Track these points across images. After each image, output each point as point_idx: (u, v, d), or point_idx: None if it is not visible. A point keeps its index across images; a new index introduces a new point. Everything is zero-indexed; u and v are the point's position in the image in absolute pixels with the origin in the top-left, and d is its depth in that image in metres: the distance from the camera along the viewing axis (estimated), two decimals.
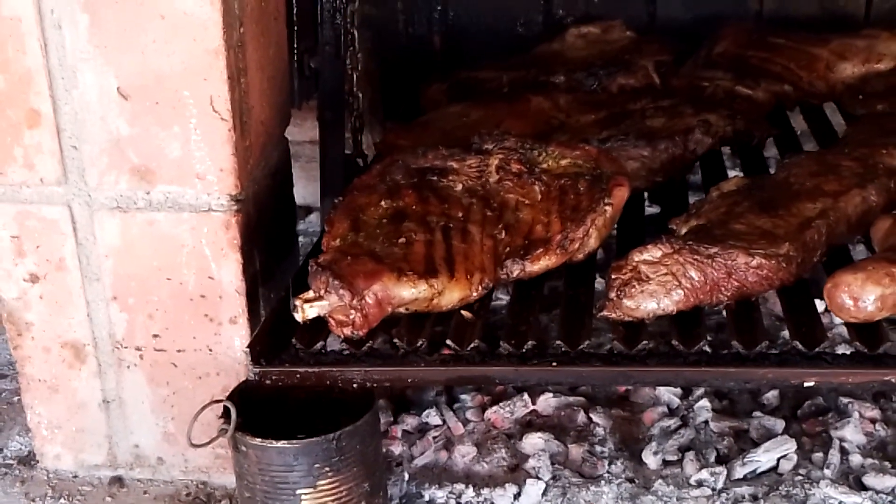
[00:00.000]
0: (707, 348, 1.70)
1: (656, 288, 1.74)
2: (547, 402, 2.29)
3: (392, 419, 2.27)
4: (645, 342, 1.71)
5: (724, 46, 2.88)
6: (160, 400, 2.08)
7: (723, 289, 1.76)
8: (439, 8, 3.19)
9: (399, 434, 2.23)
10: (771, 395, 2.27)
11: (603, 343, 1.82)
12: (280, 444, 1.77)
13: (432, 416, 2.26)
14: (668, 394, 2.28)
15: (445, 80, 2.88)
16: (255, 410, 1.85)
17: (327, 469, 1.79)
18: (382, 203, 1.97)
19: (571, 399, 2.30)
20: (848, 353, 1.67)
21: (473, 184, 2.03)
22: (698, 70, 2.79)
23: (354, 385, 1.77)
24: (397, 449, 2.19)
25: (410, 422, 2.26)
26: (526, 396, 2.29)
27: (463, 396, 2.33)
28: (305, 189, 2.81)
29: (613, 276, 1.77)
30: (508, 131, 2.17)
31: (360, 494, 1.84)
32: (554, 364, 1.73)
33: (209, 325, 2.00)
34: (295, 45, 2.28)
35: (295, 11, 2.25)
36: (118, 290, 1.99)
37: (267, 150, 2.07)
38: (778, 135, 2.55)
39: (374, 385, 1.77)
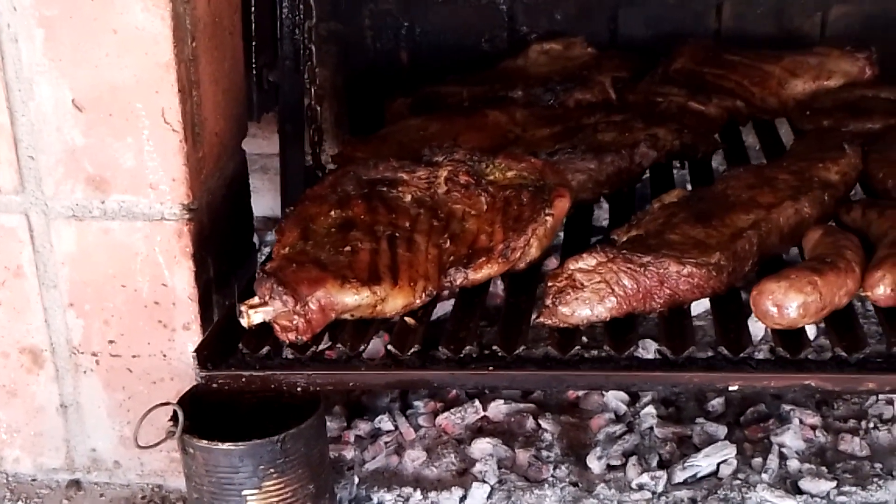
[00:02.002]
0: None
1: (590, 295, 1.80)
2: (498, 409, 2.35)
3: (346, 424, 2.32)
4: (578, 347, 1.76)
5: (680, 63, 2.95)
6: (116, 404, 2.13)
7: (655, 296, 1.82)
8: (406, 24, 3.25)
9: (352, 439, 2.28)
10: (716, 402, 2.33)
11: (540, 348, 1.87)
12: (225, 445, 1.83)
13: (385, 422, 2.32)
14: (616, 400, 2.34)
15: (409, 94, 2.94)
16: (208, 414, 1.90)
17: (272, 470, 1.84)
18: (332, 213, 2.03)
19: (522, 406, 2.35)
20: (771, 358, 1.72)
21: (422, 195, 2.09)
22: (654, 86, 2.85)
23: (299, 389, 1.82)
24: (349, 453, 2.24)
25: (363, 427, 2.31)
26: (477, 403, 2.34)
27: (416, 403, 2.38)
28: (274, 200, 2.88)
29: (549, 284, 1.83)
30: (458, 145, 2.23)
31: (305, 496, 1.90)
32: (490, 368, 1.78)
33: (163, 331, 2.05)
34: (254, 60, 2.34)
35: (254, 27, 2.31)
36: (74, 296, 2.05)
37: (222, 160, 2.13)
38: (728, 149, 2.62)
39: (318, 389, 1.82)
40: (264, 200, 2.99)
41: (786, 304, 1.72)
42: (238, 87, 2.18)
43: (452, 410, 2.32)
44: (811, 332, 2.02)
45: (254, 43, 2.31)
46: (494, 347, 1.80)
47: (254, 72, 2.33)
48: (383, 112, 2.95)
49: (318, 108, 2.48)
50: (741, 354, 1.72)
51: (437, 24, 3.23)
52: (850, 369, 1.69)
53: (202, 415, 1.91)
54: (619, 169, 2.30)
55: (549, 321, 1.82)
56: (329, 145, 2.95)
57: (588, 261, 1.82)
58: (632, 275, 1.81)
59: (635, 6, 3.16)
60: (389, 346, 1.82)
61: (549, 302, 1.82)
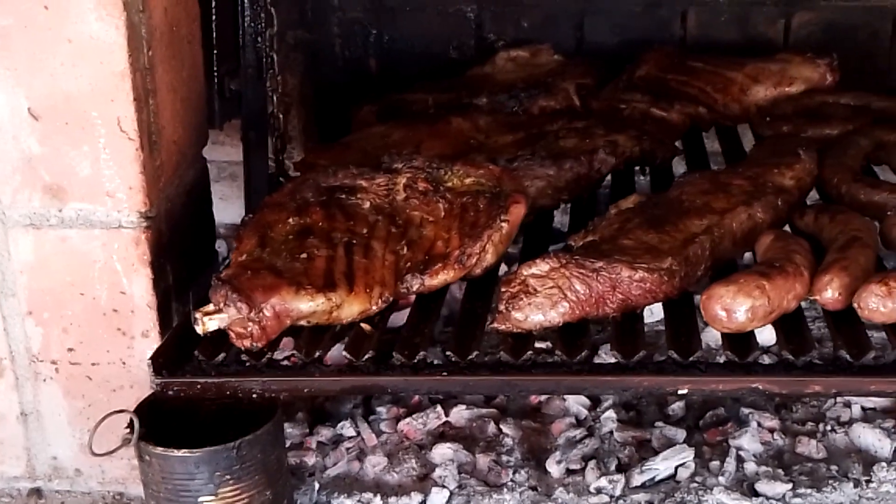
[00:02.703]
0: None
1: (543, 301, 1.82)
2: (460, 414, 2.36)
3: (308, 431, 2.33)
4: (530, 352, 1.78)
5: (645, 70, 2.98)
6: (76, 412, 2.13)
7: (608, 301, 1.84)
8: (375, 32, 3.28)
9: (314, 445, 2.29)
10: (676, 406, 2.35)
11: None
12: (181, 452, 1.83)
13: (347, 428, 2.33)
14: (577, 405, 2.36)
15: (376, 101, 2.96)
16: (168, 422, 1.91)
17: (228, 477, 1.85)
18: (290, 220, 2.04)
19: (484, 411, 2.37)
20: (721, 361, 1.74)
21: (381, 202, 2.11)
22: (618, 92, 2.88)
23: (254, 395, 1.83)
24: (311, 459, 2.25)
25: (325, 433, 2.32)
26: (439, 408, 2.36)
27: (379, 409, 2.40)
28: (243, 208, 2.88)
29: (503, 289, 1.85)
30: (418, 153, 2.24)
31: (262, 502, 1.91)
32: (444, 374, 1.80)
33: (122, 338, 2.06)
34: (215, 68, 2.35)
35: (215, 35, 2.32)
36: (33, 304, 2.05)
37: (181, 168, 2.14)
38: (689, 155, 2.64)
39: (273, 395, 1.83)
40: (234, 208, 2.99)
41: (734, 308, 1.74)
42: (198, 96, 2.19)
43: (414, 416, 2.34)
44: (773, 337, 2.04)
45: (215, 51, 2.31)
46: (448, 353, 1.81)
47: (215, 80, 2.34)
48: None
49: (281, 116, 2.49)
50: (691, 358, 1.73)
51: (406, 32, 3.26)
52: (796, 372, 1.71)
53: (162, 422, 1.92)
54: (577, 175, 2.32)
55: (503, 326, 1.83)
56: (298, 152, 2.96)
57: (541, 266, 1.84)
58: (584, 280, 1.82)
59: (601, 14, 3.19)
60: (344, 352, 1.83)
61: (502, 307, 1.83)
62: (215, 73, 2.34)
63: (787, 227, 2.14)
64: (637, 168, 2.58)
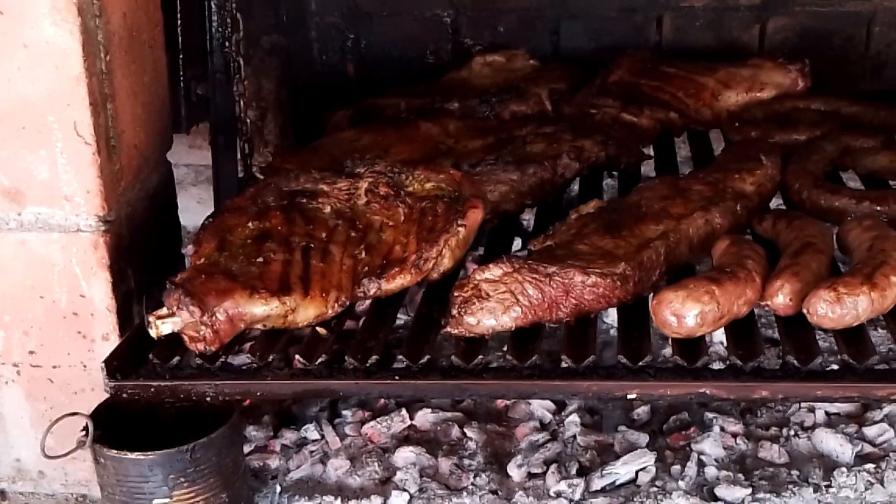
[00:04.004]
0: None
1: (495, 305, 1.82)
2: (425, 418, 2.36)
3: (273, 434, 2.34)
4: (481, 357, 1.78)
5: (618, 75, 2.98)
6: (38, 415, 2.14)
7: (561, 306, 1.85)
8: (352, 37, 3.29)
9: (277, 448, 2.29)
10: (641, 411, 2.35)
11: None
12: (135, 455, 1.84)
13: (311, 431, 2.33)
14: (542, 409, 2.36)
15: (350, 106, 2.97)
16: (128, 425, 1.92)
17: (182, 480, 1.86)
18: (250, 224, 2.05)
19: (449, 414, 2.37)
20: (671, 366, 1.74)
21: (342, 206, 2.12)
22: (590, 97, 2.89)
23: (207, 398, 1.84)
24: (274, 462, 2.25)
25: (289, 436, 2.32)
26: (404, 412, 2.35)
27: (345, 412, 2.40)
28: None
29: (456, 294, 1.85)
30: (380, 157, 2.25)
31: None
32: (397, 378, 1.80)
33: (82, 341, 2.07)
34: (181, 73, 2.36)
35: (180, 40, 2.33)
36: None
37: (143, 172, 2.15)
38: (659, 160, 2.65)
39: (226, 398, 1.84)
40: (210, 211, 3.01)
41: (684, 313, 1.74)
42: (160, 100, 2.20)
43: (379, 419, 2.34)
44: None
45: (181, 56, 2.32)
46: (400, 357, 1.81)
47: (181, 84, 2.35)
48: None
49: (249, 121, 2.50)
50: (640, 363, 1.74)
51: (383, 37, 3.28)
52: (744, 377, 1.71)
53: (123, 425, 1.92)
54: (541, 180, 2.33)
55: (456, 330, 1.84)
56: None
57: (494, 271, 1.84)
58: (537, 285, 1.83)
59: (577, 19, 3.21)
60: (298, 356, 1.83)
61: (455, 312, 1.84)
62: (181, 78, 2.35)
63: (748, 234, 2.15)
64: (606, 173, 2.58)
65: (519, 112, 2.82)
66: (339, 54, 3.31)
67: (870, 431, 2.23)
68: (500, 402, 2.40)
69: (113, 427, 1.92)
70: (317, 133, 2.98)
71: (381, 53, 3.29)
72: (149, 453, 1.84)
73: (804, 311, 1.75)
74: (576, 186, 2.54)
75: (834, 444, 2.20)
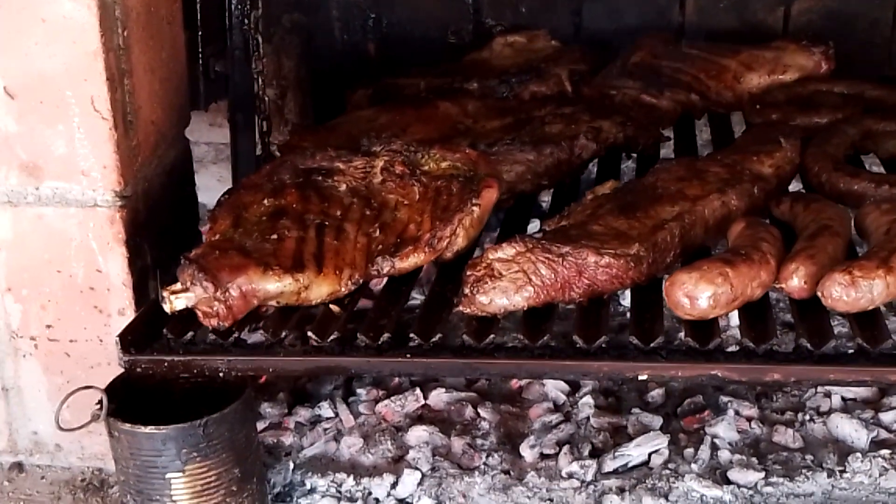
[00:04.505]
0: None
1: (507, 285, 1.82)
2: (439, 397, 2.37)
3: (287, 411, 2.35)
4: (493, 336, 1.78)
5: (639, 56, 2.96)
6: (55, 388, 2.16)
7: (574, 287, 1.84)
8: (374, 16, 3.28)
9: (292, 425, 2.31)
10: (656, 393, 2.35)
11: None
12: (148, 429, 1.86)
13: (325, 409, 2.34)
14: (556, 390, 2.36)
15: (370, 85, 2.96)
16: (143, 399, 1.93)
17: (195, 454, 1.87)
18: (265, 201, 2.05)
19: (463, 394, 2.37)
20: (683, 348, 1.73)
21: (357, 184, 2.11)
22: (611, 79, 2.86)
23: (220, 374, 1.85)
24: (288, 439, 2.27)
25: (304, 414, 2.34)
26: (418, 391, 2.36)
27: (359, 391, 2.41)
28: None
29: (468, 273, 1.85)
30: (396, 136, 2.25)
31: (230, 480, 1.92)
32: (408, 356, 1.80)
33: (99, 316, 2.08)
34: (200, 49, 2.36)
35: (199, 17, 2.33)
36: (12, 281, 2.08)
37: (160, 148, 2.16)
38: (679, 142, 2.63)
39: (238, 373, 1.85)
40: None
41: (697, 294, 1.73)
42: (178, 76, 2.21)
43: (393, 398, 2.35)
44: None
45: (200, 33, 2.33)
46: (412, 335, 1.81)
47: (200, 61, 2.35)
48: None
49: (268, 98, 2.50)
50: (652, 344, 1.73)
51: (404, 17, 3.26)
52: (756, 360, 1.70)
53: (138, 399, 1.94)
54: (558, 160, 2.32)
55: (468, 310, 1.84)
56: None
57: (507, 250, 1.84)
58: (550, 265, 1.82)
59: (599, 0, 3.17)
60: (310, 333, 1.84)
61: (467, 290, 1.83)
62: (200, 55, 2.36)
63: (766, 216, 2.13)
64: (624, 155, 2.57)
65: (538, 93, 2.80)
66: (361, 33, 3.30)
67: (886, 417, 2.22)
68: (515, 383, 2.40)
69: (128, 401, 1.93)
70: (337, 112, 2.97)
71: (403, 33, 3.28)
72: (162, 427, 1.86)
73: (819, 294, 1.73)
74: (594, 168, 2.53)
75: (849, 429, 2.19)
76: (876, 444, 2.16)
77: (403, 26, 3.28)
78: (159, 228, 2.15)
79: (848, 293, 1.70)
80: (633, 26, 3.13)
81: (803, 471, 2.10)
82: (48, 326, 2.11)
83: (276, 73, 2.79)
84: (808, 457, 2.15)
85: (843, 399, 2.29)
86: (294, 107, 3.08)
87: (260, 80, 2.45)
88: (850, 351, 1.71)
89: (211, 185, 2.78)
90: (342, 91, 3.05)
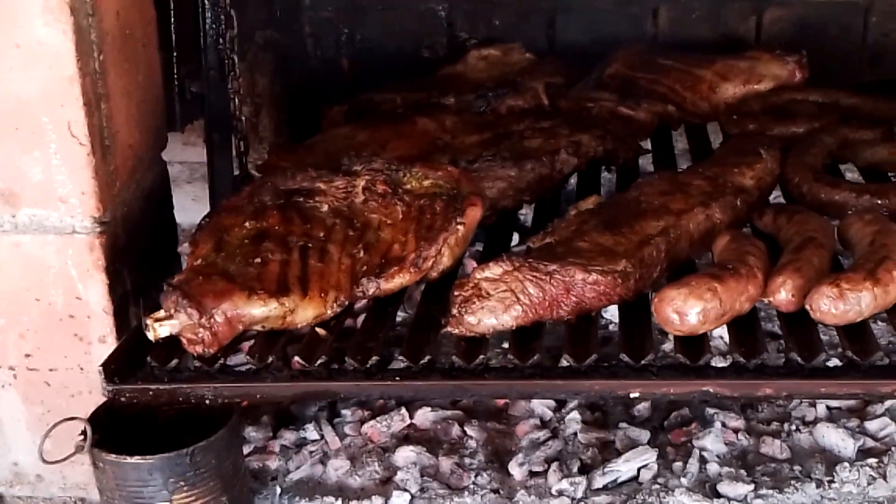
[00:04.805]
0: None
1: (496, 304, 1.81)
2: (425, 416, 2.35)
3: (272, 434, 2.32)
4: (482, 356, 1.77)
5: (615, 68, 2.97)
6: (35, 418, 2.13)
7: (562, 304, 1.83)
8: (346, 31, 3.27)
9: (277, 449, 2.28)
10: (642, 407, 2.34)
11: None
12: (134, 459, 1.83)
13: (310, 431, 2.32)
14: (542, 407, 2.35)
15: (345, 102, 2.95)
16: (126, 428, 1.90)
17: (182, 483, 1.84)
18: (247, 224, 2.03)
19: (449, 413, 2.36)
20: (674, 364, 1.73)
21: (339, 204, 2.10)
22: (587, 91, 2.87)
23: (207, 401, 1.82)
24: (274, 463, 2.24)
25: (289, 437, 2.31)
26: (404, 411, 2.34)
27: (344, 411, 2.38)
28: None
29: (456, 293, 1.83)
30: (377, 155, 2.23)
31: None
32: (397, 378, 1.79)
33: (79, 344, 2.05)
34: (175, 71, 2.34)
35: (174, 38, 2.31)
36: None
37: (138, 172, 2.13)
38: (657, 154, 2.63)
39: (225, 401, 1.82)
40: (207, 209, 2.99)
41: (686, 310, 1.73)
42: (154, 99, 2.18)
43: (378, 419, 2.33)
44: None
45: (174, 54, 2.30)
46: (400, 357, 1.80)
47: (175, 82, 2.32)
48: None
49: (244, 119, 2.47)
50: (642, 361, 1.72)
51: (377, 32, 3.25)
52: (747, 375, 1.70)
53: (121, 428, 1.91)
54: (539, 176, 2.31)
55: (456, 330, 1.82)
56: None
57: (494, 270, 1.83)
58: (537, 283, 1.81)
59: (573, 12, 3.18)
60: (297, 358, 1.82)
61: (455, 311, 1.82)
62: (175, 76, 2.33)
63: (747, 228, 2.13)
64: (603, 168, 2.57)
65: (515, 106, 2.80)
66: (334, 49, 3.29)
67: (871, 426, 2.23)
68: (501, 400, 2.39)
69: (111, 430, 1.90)
70: (312, 129, 2.96)
71: (376, 48, 3.27)
72: (148, 457, 1.83)
73: (807, 307, 1.74)
74: (573, 181, 2.53)
75: (836, 438, 2.19)
76: (863, 453, 2.17)
77: (377, 41, 3.27)
78: (139, 253, 2.12)
79: (836, 306, 1.71)
80: (607, 38, 3.14)
81: (792, 482, 2.10)
82: (27, 356, 2.07)
83: (250, 90, 2.77)
84: (796, 467, 2.15)
85: (829, 408, 2.29)
86: (269, 124, 3.07)
87: (236, 100, 2.43)
88: (840, 363, 1.71)
89: (186, 205, 2.74)
90: (316, 107, 3.03)
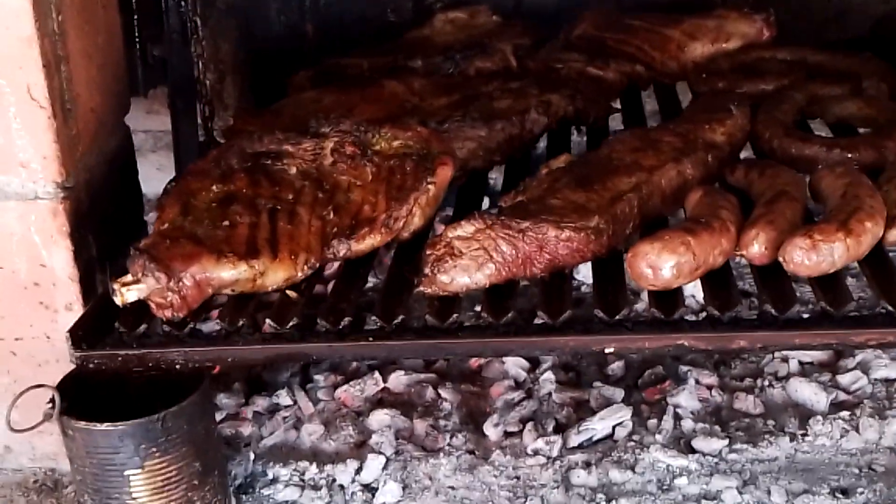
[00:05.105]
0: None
1: (468, 262, 1.79)
2: (398, 380, 2.34)
3: (244, 401, 2.30)
4: (455, 315, 1.75)
5: (582, 29, 2.94)
6: (2, 389, 2.08)
7: (535, 262, 1.82)
8: None
9: (249, 415, 2.26)
10: (616, 366, 2.34)
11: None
12: (104, 426, 1.80)
13: (283, 397, 2.30)
14: (516, 367, 2.34)
15: (312, 67, 2.90)
16: (96, 395, 1.87)
17: (154, 450, 1.82)
18: (214, 187, 1.99)
19: (423, 376, 2.35)
20: (648, 319, 1.72)
21: (308, 166, 2.07)
22: (555, 52, 2.84)
23: (177, 366, 1.79)
24: (247, 430, 2.22)
25: (261, 403, 2.29)
26: (377, 375, 2.33)
27: (316, 377, 2.37)
28: None
29: (428, 252, 1.82)
30: (345, 117, 2.20)
31: (191, 474, 1.87)
32: (370, 339, 1.77)
33: (45, 312, 2.01)
34: (137, 34, 2.29)
35: (134, 1, 2.26)
36: None
37: (101, 137, 2.08)
38: (627, 113, 2.62)
39: (196, 365, 1.80)
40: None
41: (659, 265, 1.72)
42: (116, 63, 2.14)
43: (352, 383, 2.31)
44: None
45: (135, 17, 2.25)
46: (373, 318, 1.78)
47: (137, 46, 2.28)
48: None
49: (209, 83, 2.43)
50: (617, 317, 1.71)
51: None
52: (722, 328, 1.70)
53: (91, 396, 1.88)
54: (509, 136, 2.29)
55: (429, 290, 1.81)
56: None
57: (466, 228, 1.81)
58: (510, 241, 1.80)
59: None
60: (269, 320, 1.79)
61: (427, 270, 1.80)
62: (137, 40, 2.28)
63: (718, 184, 2.13)
64: (574, 127, 2.55)
65: (484, 68, 2.76)
66: (298, 14, 3.23)
67: (843, 379, 2.24)
68: (474, 362, 2.38)
69: (80, 398, 1.87)
70: (277, 96, 2.91)
71: (341, 13, 3.21)
72: (119, 424, 1.80)
73: (780, 259, 1.74)
74: (543, 144, 2.51)
75: (808, 392, 2.21)
76: (835, 407, 2.18)
77: (341, 6, 3.21)
78: (104, 219, 2.08)
79: (809, 257, 1.71)
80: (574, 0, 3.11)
81: (766, 436, 2.12)
82: None
83: (214, 56, 2.71)
84: (770, 422, 2.17)
85: (801, 363, 2.31)
86: (233, 91, 3.01)
87: (200, 64, 2.39)
88: (815, 315, 1.71)
89: (151, 175, 2.69)
90: (281, 73, 2.98)
